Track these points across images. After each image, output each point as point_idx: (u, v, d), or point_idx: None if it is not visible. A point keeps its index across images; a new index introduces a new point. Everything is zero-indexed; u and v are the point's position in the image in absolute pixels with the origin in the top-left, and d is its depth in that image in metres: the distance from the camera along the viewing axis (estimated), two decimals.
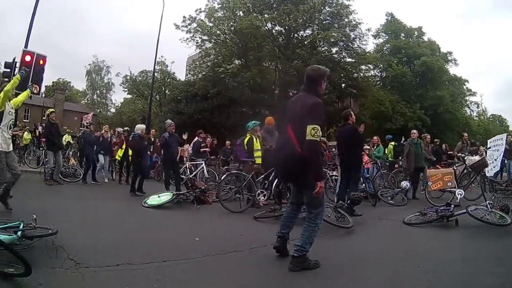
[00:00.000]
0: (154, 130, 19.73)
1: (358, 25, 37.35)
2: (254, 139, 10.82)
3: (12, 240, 4.69)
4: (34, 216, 5.50)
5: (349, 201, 9.19)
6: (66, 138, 17.68)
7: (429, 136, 15.23)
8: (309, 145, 4.73)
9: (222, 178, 11.19)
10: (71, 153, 18.70)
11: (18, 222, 5.29)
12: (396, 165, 15.43)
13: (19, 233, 4.94)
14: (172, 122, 12.84)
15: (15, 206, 7.77)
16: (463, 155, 13.91)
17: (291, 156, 4.86)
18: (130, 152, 14.71)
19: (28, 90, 8.42)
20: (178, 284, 4.53)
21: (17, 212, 7.29)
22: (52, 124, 13.81)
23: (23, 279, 4.01)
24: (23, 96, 8.11)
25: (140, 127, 13.82)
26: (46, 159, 13.55)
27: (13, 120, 8.10)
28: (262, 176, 10.50)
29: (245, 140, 10.95)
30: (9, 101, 7.82)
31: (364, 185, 11.83)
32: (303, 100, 5.09)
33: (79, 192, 12.86)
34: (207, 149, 16.51)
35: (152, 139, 16.66)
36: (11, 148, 7.97)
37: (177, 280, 4.61)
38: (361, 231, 7.82)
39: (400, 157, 15.12)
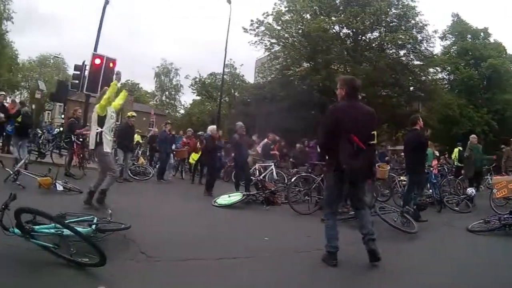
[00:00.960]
0: (221, 131, 19.92)
1: (425, 27, 36.25)
2: None
3: (87, 233, 4.86)
4: (110, 211, 5.89)
5: (415, 207, 9.28)
6: (136, 138, 18.12)
7: None
8: (374, 148, 5.47)
9: (292, 180, 11.22)
10: (140, 152, 19.17)
11: (91, 216, 5.54)
12: (462, 171, 15.01)
13: (93, 226, 5.15)
14: (243, 125, 12.92)
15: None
16: None
17: (371, 158, 5.42)
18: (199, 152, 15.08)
19: (124, 91, 8.61)
20: (247, 281, 4.68)
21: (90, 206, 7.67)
22: (129, 126, 14.25)
23: (95, 269, 4.22)
24: (120, 98, 8.35)
25: (211, 128, 14.07)
26: (116, 158, 13.94)
27: (115, 123, 8.47)
28: None
29: None
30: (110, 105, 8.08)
31: (430, 190, 11.76)
32: (363, 109, 5.58)
33: (150, 189, 13.21)
34: (276, 152, 16.54)
35: (224, 140, 16.89)
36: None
37: (246, 277, 4.77)
38: (425, 237, 7.80)
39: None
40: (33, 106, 39.08)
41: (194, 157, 16.08)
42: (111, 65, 16.36)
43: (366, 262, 5.33)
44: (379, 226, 7.25)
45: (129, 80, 78.58)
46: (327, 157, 5.61)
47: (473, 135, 13.97)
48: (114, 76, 8.45)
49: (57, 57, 67.38)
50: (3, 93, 16.81)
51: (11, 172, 9.33)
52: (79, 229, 4.64)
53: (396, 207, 9.50)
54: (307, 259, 5.66)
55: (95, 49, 17.58)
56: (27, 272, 4.08)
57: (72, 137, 13.15)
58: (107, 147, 7.95)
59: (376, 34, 37.21)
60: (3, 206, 4.18)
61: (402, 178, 12.42)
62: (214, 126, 14.80)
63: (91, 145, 8.17)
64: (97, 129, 7.84)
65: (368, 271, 5.23)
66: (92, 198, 7.95)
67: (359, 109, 5.50)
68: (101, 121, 7.86)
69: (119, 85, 8.29)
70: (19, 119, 12.70)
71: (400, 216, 8.20)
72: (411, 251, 6.73)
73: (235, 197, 10.53)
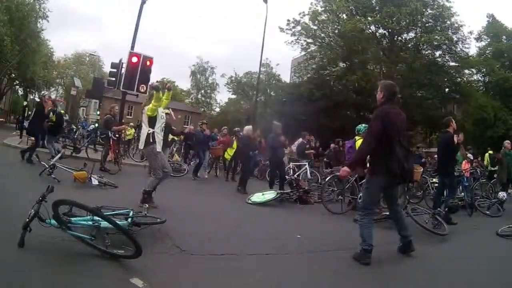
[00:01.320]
0: (258, 130, 19.96)
1: (460, 28, 35.92)
2: None
3: (124, 225, 4.94)
4: (146, 205, 6.33)
5: (446, 209, 9.41)
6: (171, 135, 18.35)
7: None
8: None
9: (326, 180, 11.23)
10: (175, 149, 19.34)
11: (127, 210, 5.66)
12: (495, 175, 14.80)
13: (129, 219, 5.27)
14: (279, 124, 12.90)
15: (124, 196, 8.32)
16: None
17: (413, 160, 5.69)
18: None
19: (166, 91, 8.60)
20: (279, 275, 4.80)
21: (125, 200, 7.52)
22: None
23: (129, 260, 4.39)
24: (166, 98, 8.40)
25: (247, 128, 14.22)
26: None
27: (165, 123, 8.63)
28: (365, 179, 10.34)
29: (357, 143, 10.80)
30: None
31: (462, 193, 11.87)
32: (401, 113, 5.91)
33: (184, 186, 13.17)
34: (312, 151, 16.53)
35: (259, 139, 16.93)
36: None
37: (277, 274, 4.85)
38: (455, 239, 7.85)
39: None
40: (63, 108, 39.61)
41: (229, 152, 16.14)
42: (147, 63, 16.62)
43: (396, 263, 5.63)
44: (410, 227, 7.24)
45: (164, 78, 79.76)
46: (373, 161, 5.86)
47: (507, 141, 13.80)
48: (168, 91, 8.48)
49: (93, 55, 68.46)
50: (46, 92, 17.17)
51: (47, 166, 9.57)
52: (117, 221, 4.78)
53: (428, 209, 9.52)
54: (339, 258, 5.71)
55: (132, 47, 17.82)
56: (62, 262, 4.21)
57: (109, 133, 13.34)
58: (159, 147, 8.14)
59: (412, 34, 37.07)
60: (40, 198, 4.32)
61: (434, 180, 12.51)
62: (250, 127, 14.90)
63: (141, 145, 8.41)
64: (148, 130, 8.02)
65: (397, 271, 5.44)
66: (150, 197, 7.97)
67: (399, 114, 5.83)
68: (152, 121, 8.05)
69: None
70: (53, 118, 12.97)
71: (432, 218, 8.29)
72: (441, 253, 6.74)
73: (269, 195, 10.61)
